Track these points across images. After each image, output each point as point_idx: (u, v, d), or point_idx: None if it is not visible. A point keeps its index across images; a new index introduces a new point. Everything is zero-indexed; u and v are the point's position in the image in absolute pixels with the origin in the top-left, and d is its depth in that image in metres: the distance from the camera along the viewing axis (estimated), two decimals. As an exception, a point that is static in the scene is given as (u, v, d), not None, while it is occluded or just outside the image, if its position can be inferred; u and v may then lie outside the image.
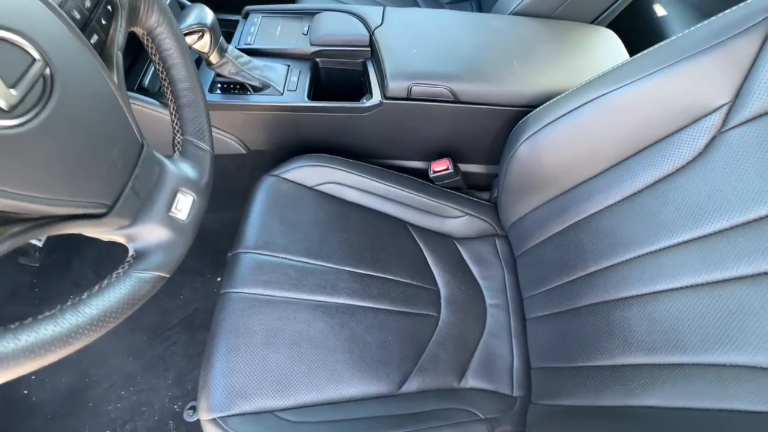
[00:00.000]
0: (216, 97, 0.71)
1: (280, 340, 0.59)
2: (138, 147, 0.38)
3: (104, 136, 0.34)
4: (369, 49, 0.74)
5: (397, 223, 0.77)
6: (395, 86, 0.67)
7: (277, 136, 0.78)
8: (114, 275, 0.36)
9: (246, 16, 0.80)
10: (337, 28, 0.73)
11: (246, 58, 0.71)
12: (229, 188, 0.91)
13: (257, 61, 0.72)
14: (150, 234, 0.39)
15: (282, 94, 0.71)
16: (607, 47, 0.72)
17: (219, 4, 1.44)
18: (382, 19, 0.74)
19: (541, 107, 0.63)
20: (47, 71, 0.29)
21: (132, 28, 0.41)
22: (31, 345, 0.28)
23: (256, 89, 0.72)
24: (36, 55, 0.28)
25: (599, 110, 0.54)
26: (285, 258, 0.66)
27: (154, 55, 0.43)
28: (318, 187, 0.74)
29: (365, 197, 0.76)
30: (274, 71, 0.73)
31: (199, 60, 0.81)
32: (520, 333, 0.72)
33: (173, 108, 0.45)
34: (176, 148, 0.45)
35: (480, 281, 0.78)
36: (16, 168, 0.27)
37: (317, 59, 0.76)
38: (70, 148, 0.31)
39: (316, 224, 0.71)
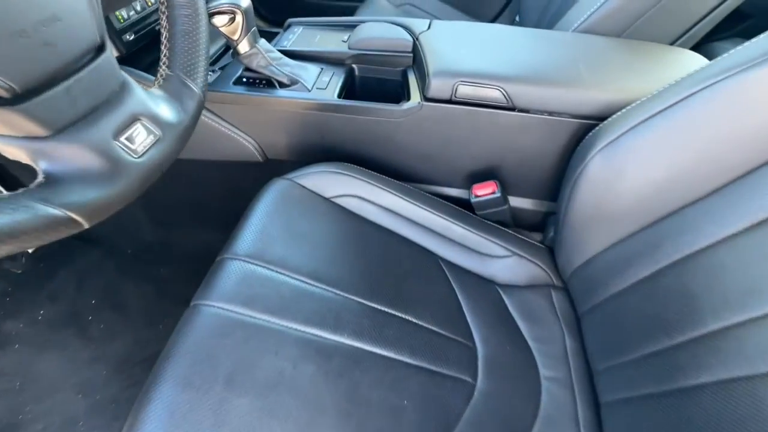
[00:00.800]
0: (239, 89, 0.64)
1: (251, 380, 0.42)
2: (92, 44, 0.28)
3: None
4: (411, 55, 0.67)
5: (427, 255, 0.62)
6: (438, 85, 0.57)
7: (299, 141, 0.69)
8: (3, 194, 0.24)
9: (287, 28, 0.78)
10: (379, 32, 0.67)
11: (277, 53, 0.65)
12: (237, 204, 0.81)
13: (289, 60, 0.66)
14: (73, 157, 0.27)
15: (310, 91, 0.64)
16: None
17: (261, 17, 1.53)
18: (429, 26, 0.68)
19: (620, 112, 0.50)
20: None
21: None
22: None
23: (283, 85, 0.65)
24: None
25: (713, 101, 0.41)
26: (280, 272, 0.51)
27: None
28: (336, 200, 0.62)
29: (391, 219, 0.62)
30: (306, 70, 0.66)
31: (227, 50, 0.78)
32: (592, 424, 0.50)
33: (165, 36, 0.36)
34: (157, 82, 0.36)
35: (531, 343, 0.58)
36: None
37: (353, 65, 0.70)
38: None
39: (327, 240, 0.57)
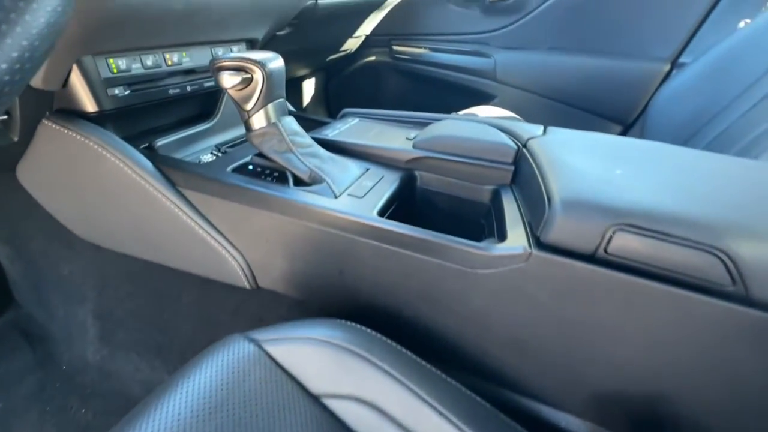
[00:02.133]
0: (236, 179, 0.41)
1: None
2: None
3: None
4: (512, 168, 0.41)
5: None
6: (571, 224, 0.29)
7: (304, 272, 0.42)
8: None
9: (341, 117, 0.59)
10: (466, 131, 0.44)
11: (307, 140, 0.44)
12: (205, 338, 0.54)
13: (322, 151, 0.44)
14: None
15: (336, 198, 0.39)
16: None
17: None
18: (545, 131, 0.43)
19: None
20: None
21: None
22: None
23: (301, 183, 0.42)
24: None
25: None
26: None
27: None
28: (328, 401, 0.31)
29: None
30: (341, 168, 0.43)
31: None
32: None
33: None
34: None
35: None
36: None
37: (416, 171, 0.46)
38: None
39: None
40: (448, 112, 0.95)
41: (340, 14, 0.84)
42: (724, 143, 0.67)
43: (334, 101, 1.38)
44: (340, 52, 1.15)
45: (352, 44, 1.16)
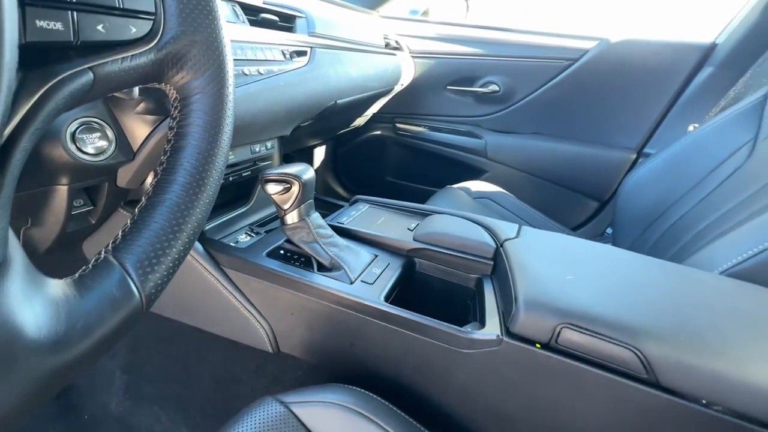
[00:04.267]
0: (270, 263, 0.52)
1: None
2: None
3: None
4: (492, 263, 0.51)
5: None
6: (531, 321, 0.39)
7: (323, 342, 0.51)
8: None
9: (353, 203, 0.71)
10: (454, 228, 0.55)
11: (329, 231, 0.55)
12: (225, 394, 0.61)
13: (340, 240, 0.55)
14: None
15: (352, 284, 0.49)
16: None
17: (342, 184, 1.53)
18: (518, 233, 0.54)
19: None
20: None
21: (160, 86, 0.26)
22: None
23: (323, 268, 0.52)
24: None
25: None
26: None
27: (171, 128, 0.27)
28: (343, 456, 0.39)
29: None
30: (356, 255, 0.54)
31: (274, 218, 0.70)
32: None
33: (140, 207, 0.25)
34: (81, 271, 0.22)
35: None
36: None
37: (416, 258, 0.56)
38: None
39: None
40: (444, 184, 1.09)
41: (355, 105, 0.99)
42: (680, 229, 0.79)
43: (342, 168, 1.52)
44: (350, 127, 1.31)
45: (360, 121, 1.32)
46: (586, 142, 1.19)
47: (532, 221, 1.00)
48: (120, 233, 0.23)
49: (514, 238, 0.52)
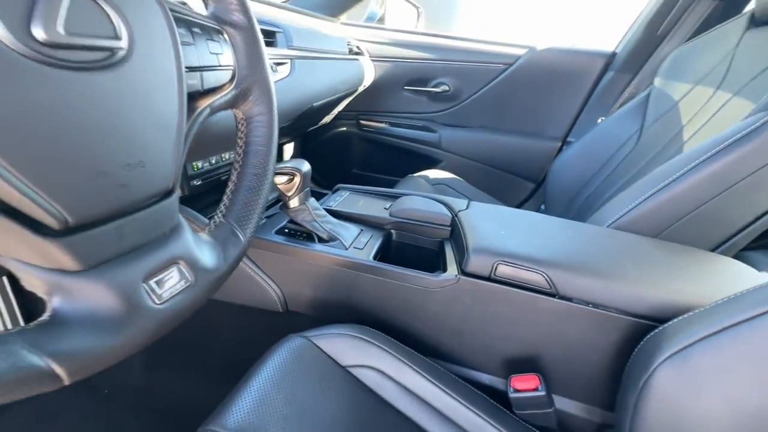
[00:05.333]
0: (279, 238, 0.65)
1: None
2: (163, 189, 0.29)
3: (133, 145, 0.26)
4: (449, 228, 0.69)
5: (453, 459, 0.50)
6: (477, 261, 0.56)
7: (325, 298, 0.66)
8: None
9: (335, 191, 0.85)
10: (421, 204, 0.71)
11: (323, 212, 0.69)
12: (244, 353, 0.73)
13: (333, 219, 0.69)
14: (91, 297, 0.24)
15: (347, 249, 0.64)
16: (743, 279, 0.58)
17: (315, 181, 1.67)
18: (468, 206, 0.72)
19: (681, 318, 0.46)
20: (120, 54, 0.24)
21: (233, 110, 0.40)
22: None
23: (322, 240, 0.66)
24: (122, 44, 0.24)
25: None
26: (271, 461, 0.41)
27: (240, 137, 0.40)
28: (353, 370, 0.54)
29: (412, 404, 0.53)
30: (346, 229, 0.68)
31: (277, 202, 0.82)
32: None
33: (231, 188, 0.38)
34: (208, 227, 0.36)
35: None
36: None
37: (392, 230, 0.72)
38: (82, 126, 0.22)
39: (334, 421, 0.47)
40: (405, 173, 1.26)
41: (326, 106, 1.13)
42: (594, 199, 1.02)
43: (312, 162, 1.63)
44: (318, 125, 1.43)
45: (327, 119, 1.45)
46: (522, 134, 1.41)
47: (481, 201, 1.20)
48: (222, 204, 0.37)
49: (466, 209, 0.70)
